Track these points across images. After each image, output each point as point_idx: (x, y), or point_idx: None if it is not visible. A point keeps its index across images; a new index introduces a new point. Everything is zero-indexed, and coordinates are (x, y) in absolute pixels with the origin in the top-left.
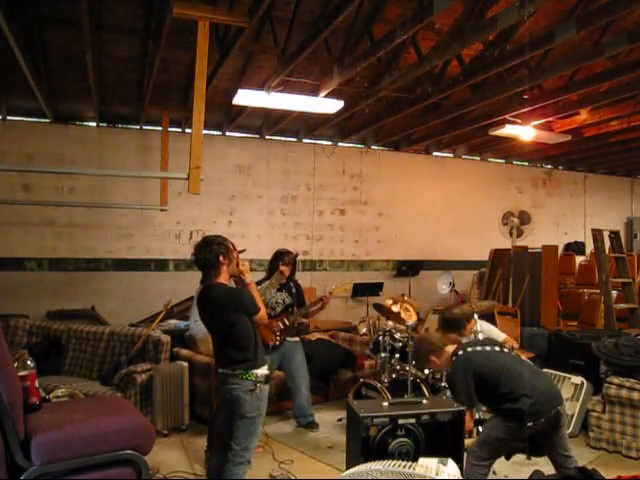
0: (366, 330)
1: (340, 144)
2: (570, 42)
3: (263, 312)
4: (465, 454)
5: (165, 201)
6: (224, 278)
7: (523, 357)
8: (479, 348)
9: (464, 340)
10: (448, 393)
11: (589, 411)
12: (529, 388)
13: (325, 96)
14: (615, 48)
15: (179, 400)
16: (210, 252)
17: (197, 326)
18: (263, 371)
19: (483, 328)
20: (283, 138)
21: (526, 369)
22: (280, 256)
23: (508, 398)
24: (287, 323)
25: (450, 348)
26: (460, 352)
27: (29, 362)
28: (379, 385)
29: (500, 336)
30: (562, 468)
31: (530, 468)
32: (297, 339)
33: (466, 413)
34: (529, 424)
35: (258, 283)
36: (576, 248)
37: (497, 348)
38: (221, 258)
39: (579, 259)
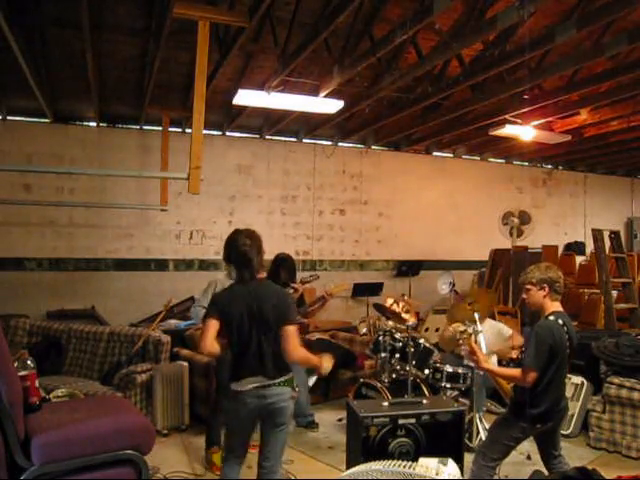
0: (366, 330)
1: (340, 144)
2: (570, 42)
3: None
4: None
5: (165, 201)
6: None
7: None
8: (565, 329)
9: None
10: (448, 393)
11: (589, 411)
12: (561, 391)
13: (325, 96)
14: (615, 48)
15: (179, 400)
16: (253, 245)
17: (198, 312)
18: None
19: (491, 324)
20: (283, 138)
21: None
22: (276, 262)
23: (539, 392)
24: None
25: (554, 305)
26: (552, 318)
27: (29, 362)
28: (379, 385)
29: (507, 332)
30: (551, 466)
31: (530, 468)
32: None
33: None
34: (538, 426)
35: None
36: (576, 248)
37: (567, 343)
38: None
39: (579, 259)
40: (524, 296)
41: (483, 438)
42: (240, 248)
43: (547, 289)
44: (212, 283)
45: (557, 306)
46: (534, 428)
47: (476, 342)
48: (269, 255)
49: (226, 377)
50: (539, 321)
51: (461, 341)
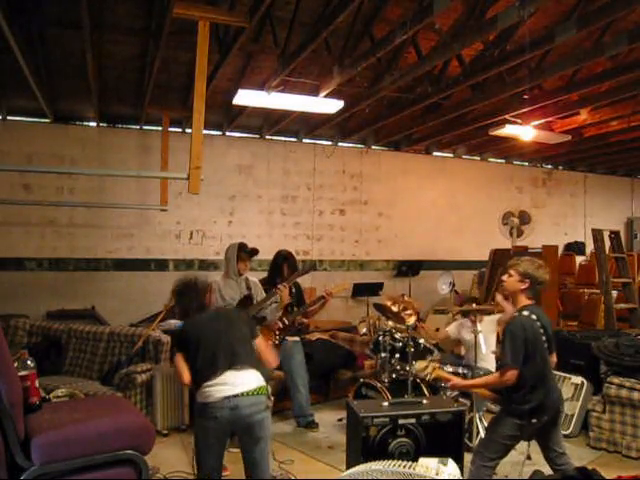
0: (366, 330)
1: (340, 144)
2: (570, 42)
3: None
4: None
5: (165, 201)
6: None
7: None
8: (537, 321)
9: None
10: (448, 393)
11: (589, 411)
12: (548, 384)
13: (325, 96)
14: (615, 48)
15: (179, 400)
16: (197, 295)
17: None
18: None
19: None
20: (283, 138)
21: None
22: (277, 259)
23: (524, 387)
24: (286, 322)
25: (525, 300)
26: (526, 313)
27: (29, 362)
28: (379, 385)
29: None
30: (556, 465)
31: (530, 468)
32: (297, 338)
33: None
34: (533, 421)
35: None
36: (576, 248)
37: (542, 334)
38: (208, 297)
39: (579, 259)
40: (503, 278)
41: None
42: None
43: (528, 284)
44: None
45: (528, 300)
46: (530, 424)
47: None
48: (270, 255)
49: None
50: (512, 317)
51: (429, 376)
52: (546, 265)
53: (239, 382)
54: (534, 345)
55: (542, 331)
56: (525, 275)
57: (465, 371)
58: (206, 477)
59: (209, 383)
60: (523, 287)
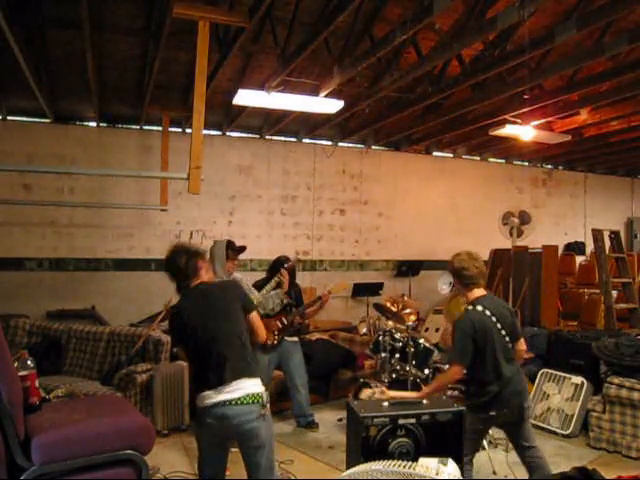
0: (366, 330)
1: (340, 144)
2: (570, 42)
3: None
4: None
5: (165, 201)
6: (206, 278)
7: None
8: (488, 313)
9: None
10: (448, 393)
11: (589, 411)
12: (504, 375)
13: (325, 96)
14: (615, 48)
15: (179, 400)
16: (188, 260)
17: None
18: (263, 387)
19: None
20: (283, 138)
21: (503, 356)
22: (277, 264)
23: (477, 379)
24: (285, 322)
25: (473, 293)
26: (471, 307)
27: (29, 362)
28: (379, 385)
29: None
30: (524, 458)
31: None
32: (296, 339)
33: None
34: (492, 413)
35: (257, 285)
36: (576, 248)
37: (498, 325)
38: (200, 262)
39: (579, 259)
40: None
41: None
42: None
43: (458, 280)
44: None
45: (479, 292)
46: (490, 417)
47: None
48: (270, 255)
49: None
50: (460, 315)
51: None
52: (469, 252)
53: (228, 389)
54: (484, 339)
55: (496, 322)
56: (452, 274)
57: (465, 371)
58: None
59: (202, 387)
60: (458, 285)
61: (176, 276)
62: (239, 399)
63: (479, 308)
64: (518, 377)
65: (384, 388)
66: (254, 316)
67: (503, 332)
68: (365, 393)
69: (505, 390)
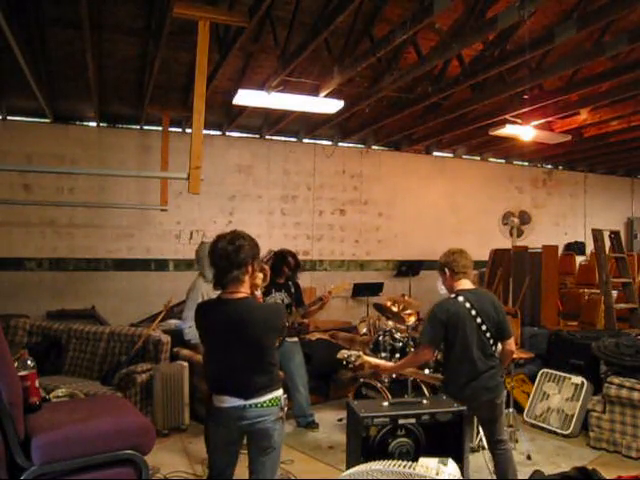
0: (366, 330)
1: (340, 144)
2: (570, 42)
3: None
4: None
5: (165, 201)
6: (247, 289)
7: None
8: (467, 305)
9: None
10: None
11: (589, 411)
12: (475, 369)
13: (325, 96)
14: (615, 48)
15: (179, 400)
16: (238, 257)
17: (192, 331)
18: (282, 391)
19: None
20: (283, 138)
21: (478, 350)
22: (276, 259)
23: (448, 367)
24: (286, 323)
25: (460, 284)
26: (460, 297)
27: (29, 362)
28: (379, 385)
29: None
30: (496, 450)
31: (530, 468)
32: (296, 339)
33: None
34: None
35: None
36: (576, 248)
37: (478, 319)
38: (250, 266)
39: (579, 259)
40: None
41: (483, 438)
42: (220, 259)
43: (448, 271)
44: (193, 293)
45: (464, 284)
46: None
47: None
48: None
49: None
50: (438, 301)
51: (356, 364)
52: (459, 250)
53: (256, 396)
54: (455, 329)
55: (476, 315)
56: (441, 267)
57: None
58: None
59: (221, 392)
60: (447, 276)
61: (215, 269)
62: (259, 403)
63: (459, 299)
64: (492, 372)
65: (361, 353)
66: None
67: (484, 327)
68: (342, 353)
69: (474, 384)
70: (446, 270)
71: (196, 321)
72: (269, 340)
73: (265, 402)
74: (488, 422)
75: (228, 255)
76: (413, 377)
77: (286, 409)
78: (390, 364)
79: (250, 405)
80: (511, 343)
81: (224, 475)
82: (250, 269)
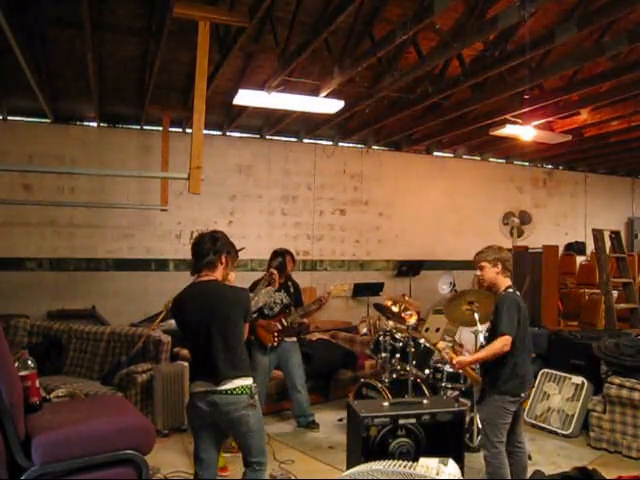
0: (367, 330)
1: (341, 144)
2: (571, 42)
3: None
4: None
5: (166, 201)
6: (219, 276)
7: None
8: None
9: None
10: (449, 393)
11: (590, 411)
12: (529, 360)
13: (325, 96)
14: (616, 48)
15: (179, 400)
16: (214, 246)
17: None
18: (252, 380)
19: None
20: (284, 138)
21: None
22: (273, 258)
23: (514, 359)
24: (285, 324)
25: (507, 281)
26: (511, 290)
27: (30, 362)
28: (380, 385)
29: None
30: (516, 443)
31: (530, 468)
32: (294, 339)
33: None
34: (522, 395)
35: (255, 283)
36: (577, 248)
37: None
38: (223, 257)
39: (580, 259)
40: (478, 273)
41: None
42: (199, 246)
43: (500, 266)
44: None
45: (509, 282)
46: (520, 398)
47: (457, 349)
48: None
49: None
50: (502, 293)
51: (446, 356)
52: (502, 246)
53: (219, 384)
54: (524, 318)
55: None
56: (495, 260)
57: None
58: (197, 470)
59: (197, 377)
60: (498, 270)
61: (194, 257)
62: (228, 390)
63: (518, 293)
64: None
65: (452, 348)
66: (244, 325)
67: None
68: (441, 344)
69: (529, 374)
70: (499, 265)
71: (173, 310)
72: (236, 315)
73: (236, 389)
74: (518, 411)
75: (205, 243)
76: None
77: (257, 397)
78: (469, 357)
79: (221, 391)
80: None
81: (207, 465)
82: (224, 259)
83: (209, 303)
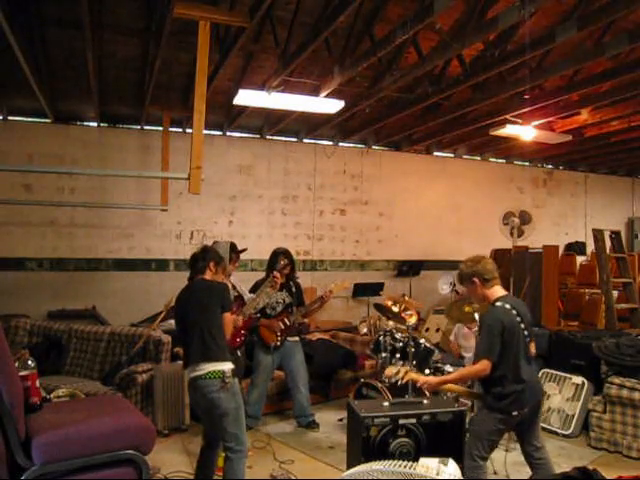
0: (367, 330)
1: (341, 144)
2: (571, 42)
3: (232, 316)
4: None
5: (166, 201)
6: (209, 276)
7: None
8: (514, 312)
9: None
10: (449, 393)
11: (590, 411)
12: (525, 374)
13: (326, 96)
14: (616, 48)
15: (180, 400)
16: (204, 256)
17: None
18: (228, 366)
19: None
20: (284, 138)
21: (524, 356)
22: (275, 258)
23: (501, 379)
24: (288, 323)
25: (495, 291)
26: (499, 303)
27: (30, 362)
28: (380, 385)
29: None
30: (534, 460)
31: None
32: (297, 339)
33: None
34: (514, 413)
35: (257, 284)
36: (577, 248)
37: (522, 325)
38: (212, 264)
39: (580, 259)
40: (463, 294)
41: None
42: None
43: (478, 280)
44: None
45: (499, 291)
46: (512, 417)
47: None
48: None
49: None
50: (487, 310)
51: (400, 381)
52: (481, 256)
53: (195, 368)
54: (511, 338)
55: (519, 319)
56: (470, 276)
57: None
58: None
59: (184, 365)
60: (478, 285)
61: (190, 266)
62: (202, 375)
63: (507, 306)
64: (536, 375)
65: (407, 368)
66: (226, 316)
67: (525, 332)
68: (390, 370)
69: (527, 390)
70: (475, 279)
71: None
72: (210, 301)
73: (208, 374)
74: (529, 424)
75: (197, 255)
76: (456, 393)
77: (229, 380)
78: (439, 378)
79: (197, 377)
80: (532, 344)
81: (209, 437)
82: (212, 267)
83: (190, 293)
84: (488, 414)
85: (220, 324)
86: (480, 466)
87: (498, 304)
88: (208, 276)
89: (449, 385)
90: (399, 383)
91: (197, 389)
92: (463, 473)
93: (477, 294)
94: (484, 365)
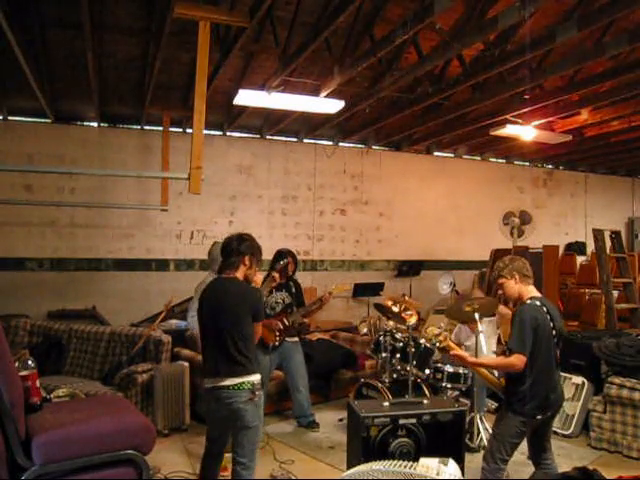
0: (367, 330)
1: (341, 144)
2: (571, 42)
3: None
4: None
5: (166, 201)
6: (241, 275)
7: None
8: (545, 310)
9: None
10: (449, 393)
11: (590, 411)
12: (553, 379)
13: (326, 96)
14: (616, 48)
15: (180, 400)
16: (239, 247)
17: (194, 320)
18: (258, 377)
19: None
20: (284, 138)
21: (554, 358)
22: (279, 258)
23: (529, 377)
24: (287, 323)
25: (530, 290)
26: (531, 301)
27: (30, 362)
28: (380, 385)
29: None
30: (541, 460)
31: (530, 468)
32: (296, 339)
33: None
34: (538, 417)
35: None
36: (577, 248)
37: (552, 326)
38: (246, 259)
39: (580, 259)
40: (499, 292)
41: (484, 438)
42: (226, 247)
43: (518, 276)
44: (200, 286)
45: (533, 291)
46: (534, 420)
47: (459, 344)
48: (271, 255)
49: None
50: (520, 305)
51: (438, 344)
52: (517, 256)
53: (224, 380)
54: (543, 332)
55: (550, 322)
56: (511, 273)
57: (466, 371)
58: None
59: (205, 373)
60: (517, 282)
61: (222, 255)
62: (230, 386)
63: (537, 303)
64: (559, 377)
65: (448, 334)
66: (257, 326)
67: (555, 336)
68: (432, 330)
69: (554, 393)
70: (516, 275)
71: (199, 301)
72: (242, 310)
73: (236, 385)
74: (545, 426)
75: (231, 244)
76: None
77: (258, 392)
78: (474, 359)
79: (222, 387)
80: (557, 350)
81: (215, 449)
82: (247, 261)
83: (220, 296)
84: (512, 417)
85: (251, 333)
86: (502, 469)
87: (529, 302)
88: (240, 273)
89: (483, 371)
90: (438, 346)
91: (220, 399)
92: (463, 473)
93: (513, 291)
94: (519, 359)
